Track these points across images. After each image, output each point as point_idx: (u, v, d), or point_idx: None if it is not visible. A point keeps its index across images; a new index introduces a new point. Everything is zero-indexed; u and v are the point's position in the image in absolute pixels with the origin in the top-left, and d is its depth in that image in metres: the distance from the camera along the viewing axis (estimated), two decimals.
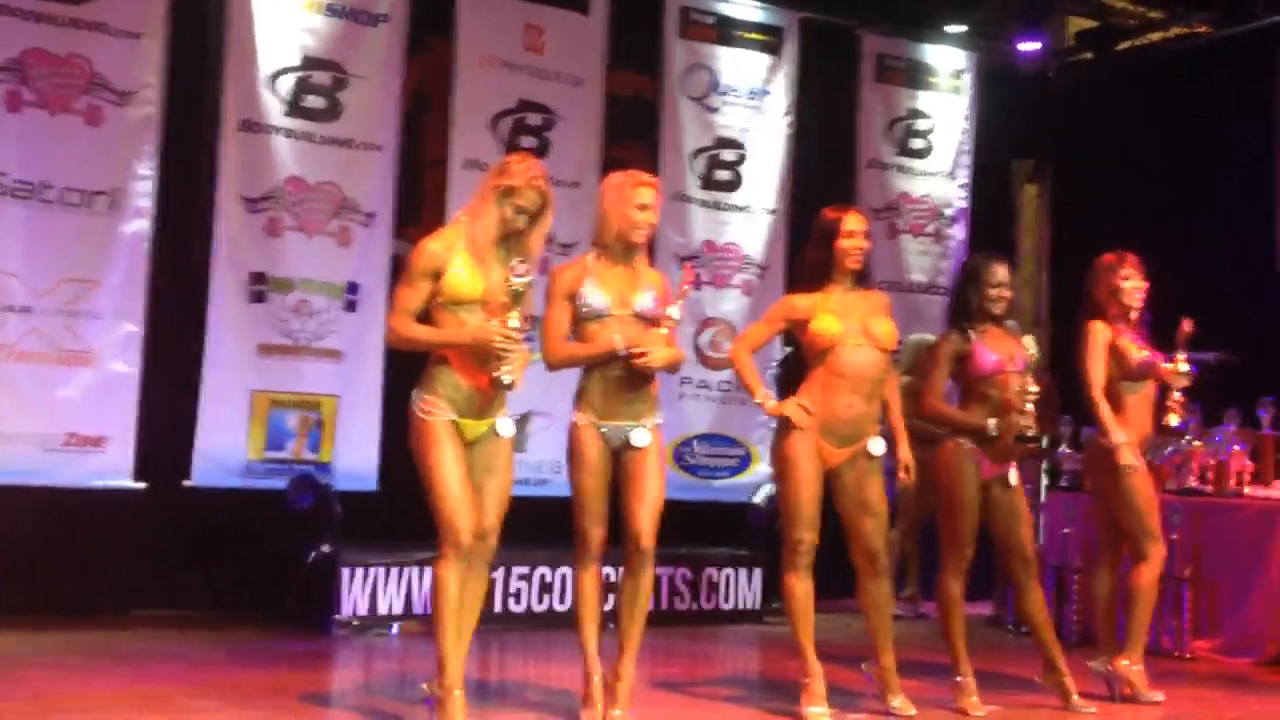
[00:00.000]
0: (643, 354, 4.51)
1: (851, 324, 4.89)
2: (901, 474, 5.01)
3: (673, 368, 4.71)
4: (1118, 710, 5.28)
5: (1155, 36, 9.51)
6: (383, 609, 6.61)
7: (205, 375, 6.99)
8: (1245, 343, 8.20)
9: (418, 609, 6.58)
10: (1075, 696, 5.21)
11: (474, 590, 4.37)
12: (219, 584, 7.01)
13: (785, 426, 4.90)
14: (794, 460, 4.86)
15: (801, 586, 4.89)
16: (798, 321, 4.97)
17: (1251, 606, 6.58)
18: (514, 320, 4.21)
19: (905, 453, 5.02)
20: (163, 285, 6.95)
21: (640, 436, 4.60)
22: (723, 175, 8.64)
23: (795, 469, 4.86)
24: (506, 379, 4.21)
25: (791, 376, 8.42)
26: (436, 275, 4.25)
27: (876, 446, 4.93)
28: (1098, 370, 5.42)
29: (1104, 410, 5.40)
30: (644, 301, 4.62)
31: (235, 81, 7.12)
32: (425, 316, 4.30)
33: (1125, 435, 5.36)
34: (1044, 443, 7.30)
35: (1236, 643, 6.59)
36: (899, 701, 4.96)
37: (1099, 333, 5.45)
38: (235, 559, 7.00)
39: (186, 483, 6.93)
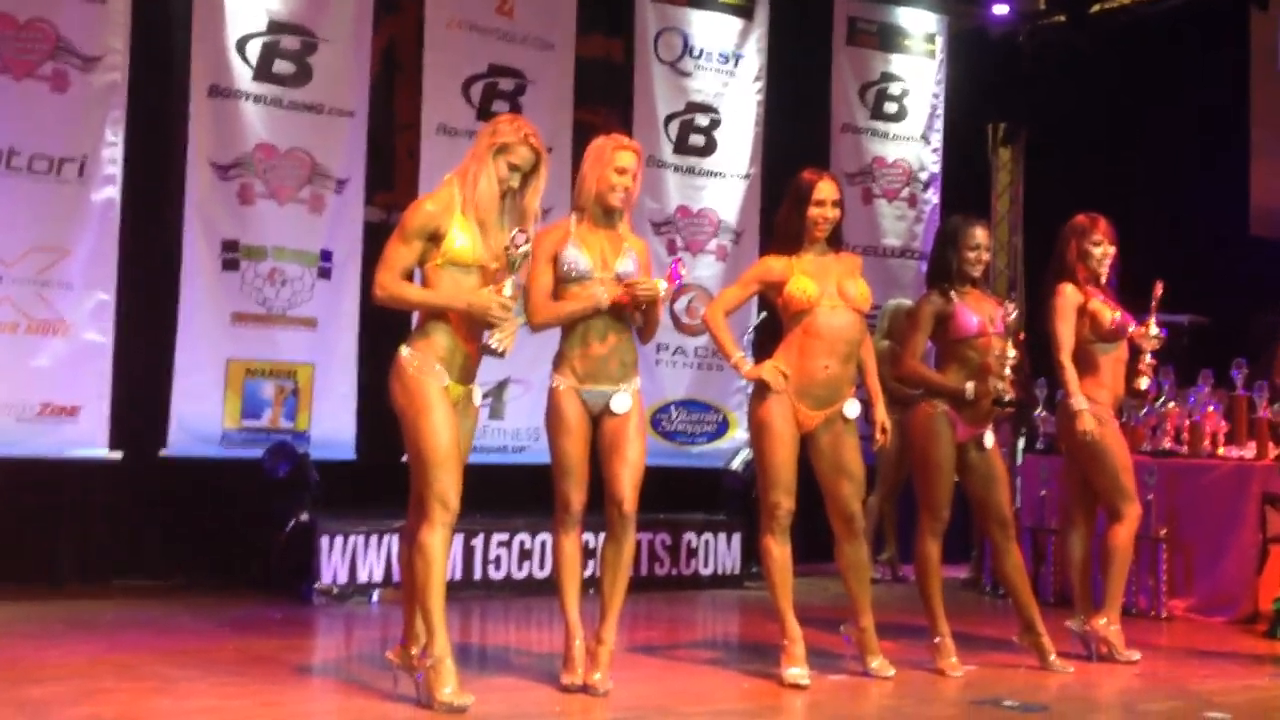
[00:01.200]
0: (635, 284, 4.52)
1: (827, 286, 4.89)
2: (878, 435, 5.01)
3: (654, 319, 4.68)
4: (1095, 669, 5.32)
5: None
6: (362, 577, 6.60)
7: (179, 344, 6.94)
8: (1220, 305, 8.27)
9: (398, 577, 6.55)
10: (1053, 656, 5.26)
11: None
12: (196, 554, 6.97)
13: (761, 390, 4.90)
14: (770, 424, 4.86)
15: (780, 550, 4.90)
16: (773, 283, 4.96)
17: (1226, 565, 6.64)
18: (508, 288, 4.20)
19: (881, 414, 5.02)
20: (134, 253, 6.88)
21: (621, 401, 4.60)
22: (696, 140, 8.61)
23: (772, 432, 4.86)
24: (499, 346, 4.21)
25: (767, 343, 8.44)
26: (433, 236, 4.22)
27: (851, 409, 4.93)
28: (1067, 333, 5.44)
29: (1070, 374, 5.42)
30: (626, 265, 4.62)
31: (203, 46, 7.03)
32: (411, 274, 4.27)
33: (1086, 402, 5.38)
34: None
35: (1211, 602, 6.66)
36: (878, 663, 5.00)
37: (1069, 295, 5.46)
38: (213, 528, 6.96)
39: (162, 452, 6.89)
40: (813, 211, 4.91)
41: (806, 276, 4.87)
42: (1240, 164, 9.55)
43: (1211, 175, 9.23)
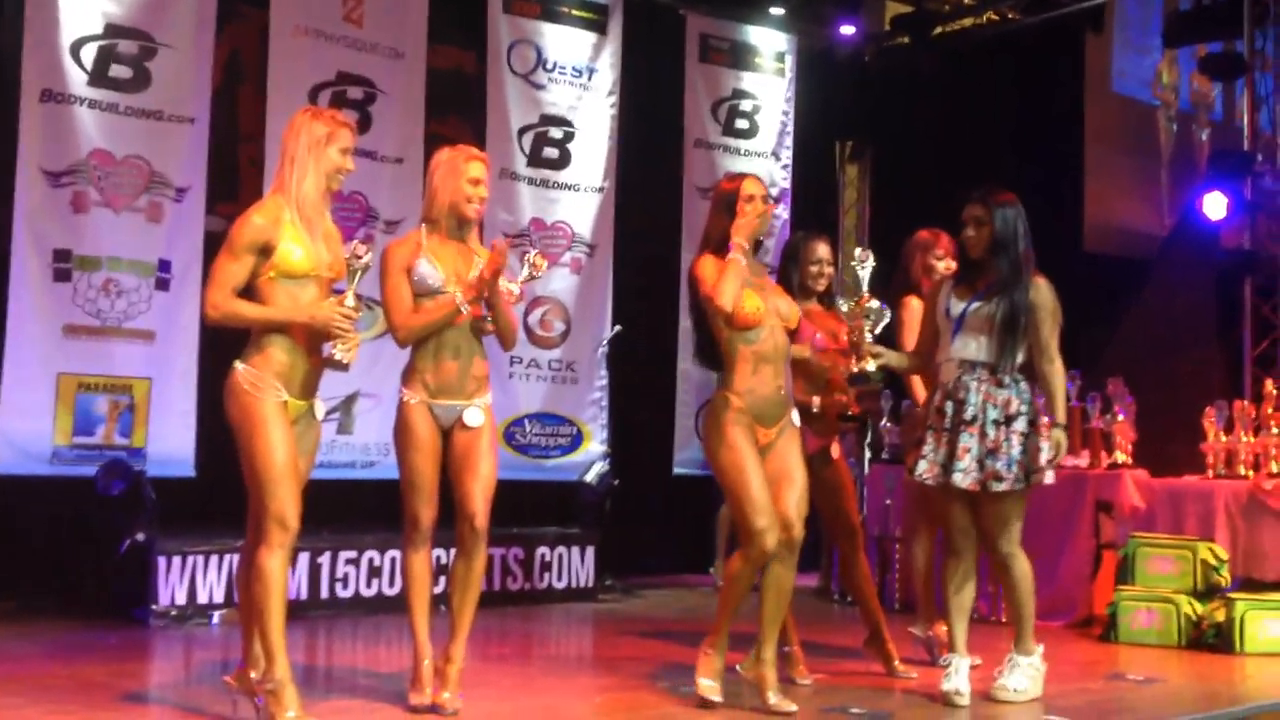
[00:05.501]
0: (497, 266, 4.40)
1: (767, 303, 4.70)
2: None
3: (506, 324, 4.60)
4: (938, 674, 5.39)
5: (968, 22, 9.81)
6: (202, 598, 6.40)
7: (6, 358, 6.65)
8: None
9: (239, 597, 6.38)
10: (897, 662, 5.36)
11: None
12: (26, 576, 6.66)
13: (718, 411, 4.66)
14: (731, 440, 4.62)
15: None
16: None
17: (1062, 571, 6.86)
18: (350, 299, 4.10)
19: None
20: None
21: (474, 415, 4.53)
22: (550, 153, 8.59)
23: (734, 450, 4.59)
24: (343, 358, 4.11)
25: (621, 356, 8.44)
26: (264, 249, 4.09)
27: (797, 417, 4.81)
28: (912, 343, 5.54)
29: (915, 383, 5.55)
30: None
31: (34, 50, 6.77)
32: (248, 290, 4.14)
33: None
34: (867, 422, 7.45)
35: (1049, 606, 6.79)
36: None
37: (914, 308, 5.60)
38: (43, 550, 6.68)
39: None
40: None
41: (751, 292, 4.66)
42: (1075, 182, 9.90)
43: (1047, 192, 9.51)
